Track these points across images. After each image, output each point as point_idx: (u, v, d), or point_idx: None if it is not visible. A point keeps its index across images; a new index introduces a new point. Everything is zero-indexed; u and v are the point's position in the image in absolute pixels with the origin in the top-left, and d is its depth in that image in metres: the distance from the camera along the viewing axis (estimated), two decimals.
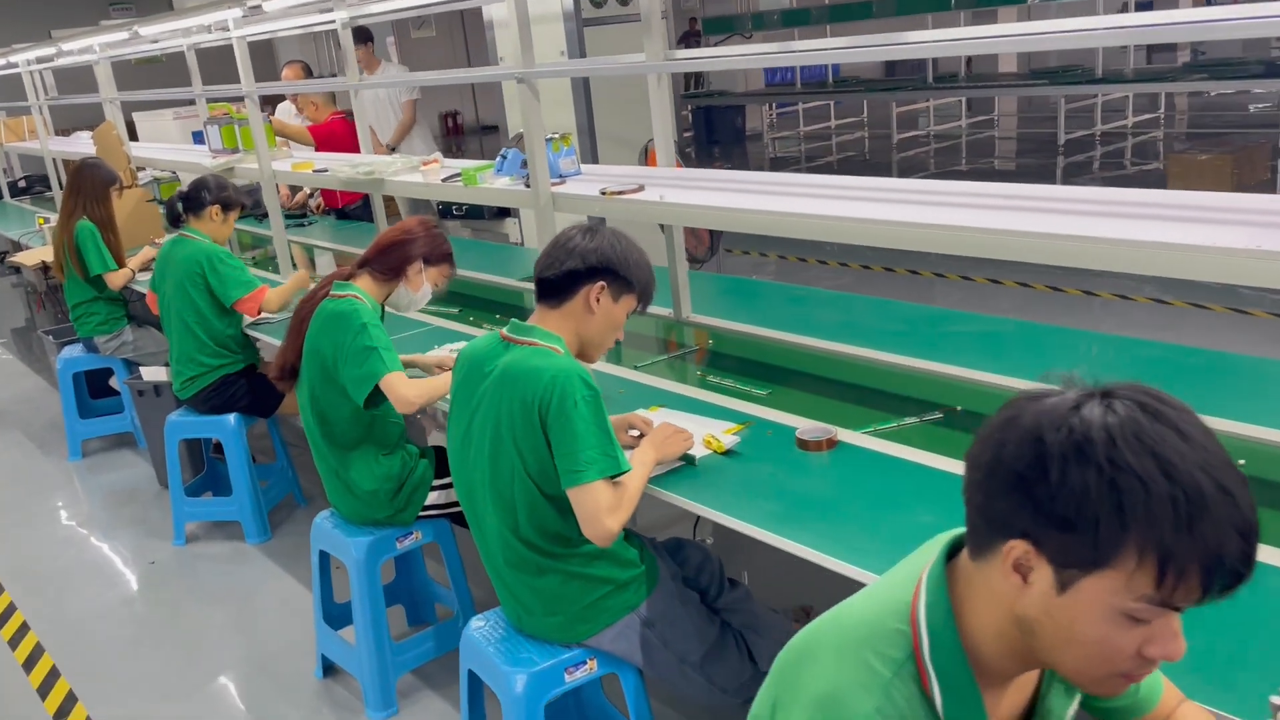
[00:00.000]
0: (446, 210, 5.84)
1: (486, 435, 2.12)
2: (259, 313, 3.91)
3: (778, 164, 12.76)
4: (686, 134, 14.00)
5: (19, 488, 4.89)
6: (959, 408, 2.53)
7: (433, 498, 2.91)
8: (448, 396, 2.39)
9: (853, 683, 1.07)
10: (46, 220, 6.44)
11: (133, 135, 7.09)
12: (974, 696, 1.06)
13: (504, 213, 5.60)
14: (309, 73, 6.57)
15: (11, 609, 3.74)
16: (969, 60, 15.13)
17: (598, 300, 2.15)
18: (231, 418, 3.92)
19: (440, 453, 3.00)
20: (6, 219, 7.80)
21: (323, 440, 2.83)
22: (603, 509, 2.01)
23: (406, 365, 2.86)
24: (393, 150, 6.34)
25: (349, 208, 6.23)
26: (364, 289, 2.88)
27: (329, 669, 3.13)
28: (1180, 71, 10.77)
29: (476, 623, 2.39)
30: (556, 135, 3.22)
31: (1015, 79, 12.64)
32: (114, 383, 5.13)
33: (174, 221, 4.18)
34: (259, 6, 3.93)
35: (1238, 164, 7.92)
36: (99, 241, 4.70)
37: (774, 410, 2.63)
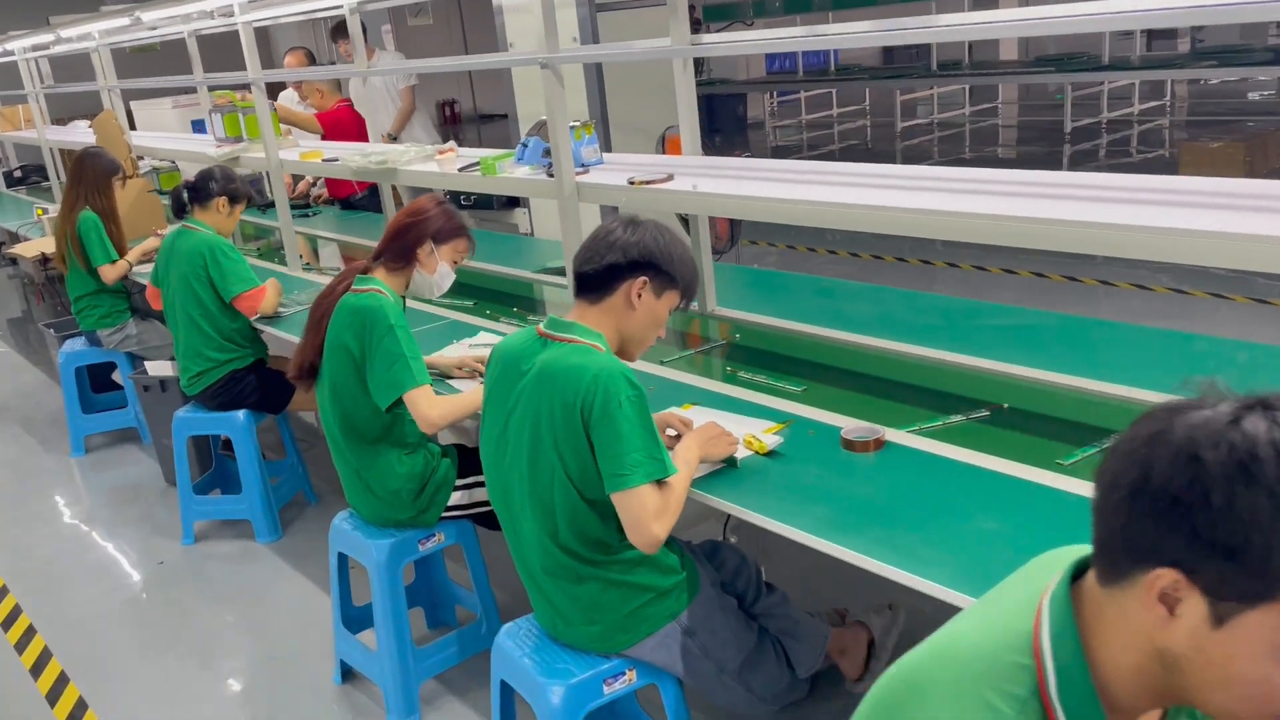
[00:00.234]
0: (453, 200, 5.72)
1: (525, 436, 2.03)
2: (255, 314, 3.80)
3: (779, 152, 12.65)
4: None
5: (21, 484, 4.79)
6: (1005, 405, 2.44)
7: (455, 498, 2.82)
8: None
9: None
10: (45, 211, 6.32)
11: (130, 124, 6.96)
12: None
13: (513, 202, 5.49)
14: (312, 60, 6.45)
15: (17, 611, 3.65)
16: (970, 48, 15.08)
17: (639, 296, 2.06)
18: (241, 414, 3.82)
19: (462, 451, 2.91)
20: (3, 210, 7.67)
21: (344, 439, 2.74)
22: (649, 514, 1.92)
23: (428, 367, 2.76)
24: (393, 139, 6.23)
25: (354, 197, 6.12)
26: (383, 281, 2.78)
27: (347, 674, 3.04)
28: (1187, 58, 10.69)
29: (508, 630, 2.30)
30: (578, 123, 3.12)
31: (1018, 66, 12.55)
32: (117, 377, 5.02)
33: (179, 212, 4.07)
34: None
35: (1250, 151, 7.84)
36: (102, 233, 4.59)
37: (811, 408, 2.54)
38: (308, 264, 4.81)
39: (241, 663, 3.26)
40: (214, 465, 4.23)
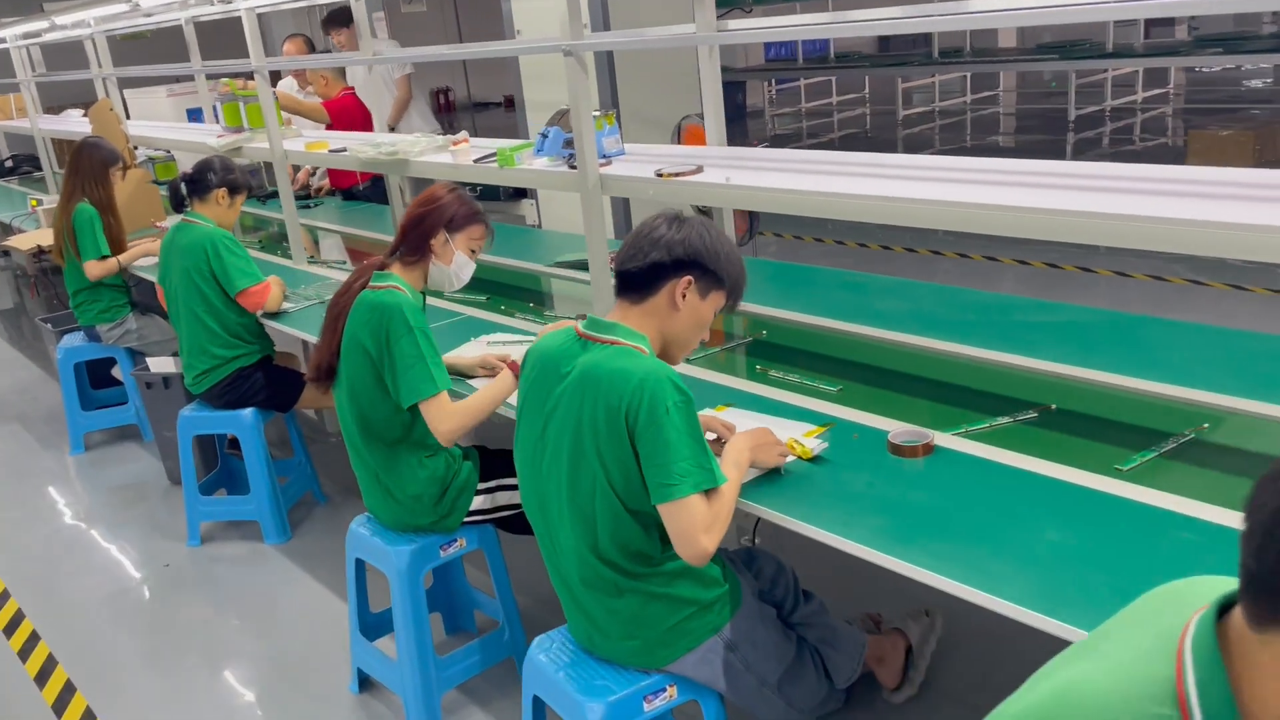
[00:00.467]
0: None
1: (565, 443, 1.93)
2: (259, 310, 3.69)
3: (778, 141, 12.53)
4: None
5: (20, 483, 4.68)
6: (1053, 406, 2.36)
7: (477, 502, 2.72)
8: (511, 401, 2.20)
9: None
10: (40, 202, 6.18)
11: (125, 113, 6.82)
12: None
13: (520, 194, 5.38)
14: (311, 47, 6.31)
15: (20, 617, 3.54)
16: (969, 34, 14.96)
17: (683, 296, 1.95)
18: (248, 413, 3.71)
19: (484, 454, 2.82)
20: None
21: (363, 442, 2.64)
22: (698, 526, 1.83)
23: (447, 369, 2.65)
24: (392, 129, 6.10)
25: (356, 188, 5.99)
26: (401, 277, 2.67)
27: (364, 682, 2.94)
28: (1190, 45, 10.59)
29: (540, 644, 2.21)
30: (599, 113, 3.01)
31: (1019, 54, 12.45)
32: (117, 373, 4.91)
33: (177, 206, 3.95)
34: None
35: (1260, 139, 7.77)
36: (97, 227, 4.47)
37: (849, 409, 2.45)
38: (311, 256, 4.70)
39: (253, 671, 3.16)
40: (219, 464, 4.12)
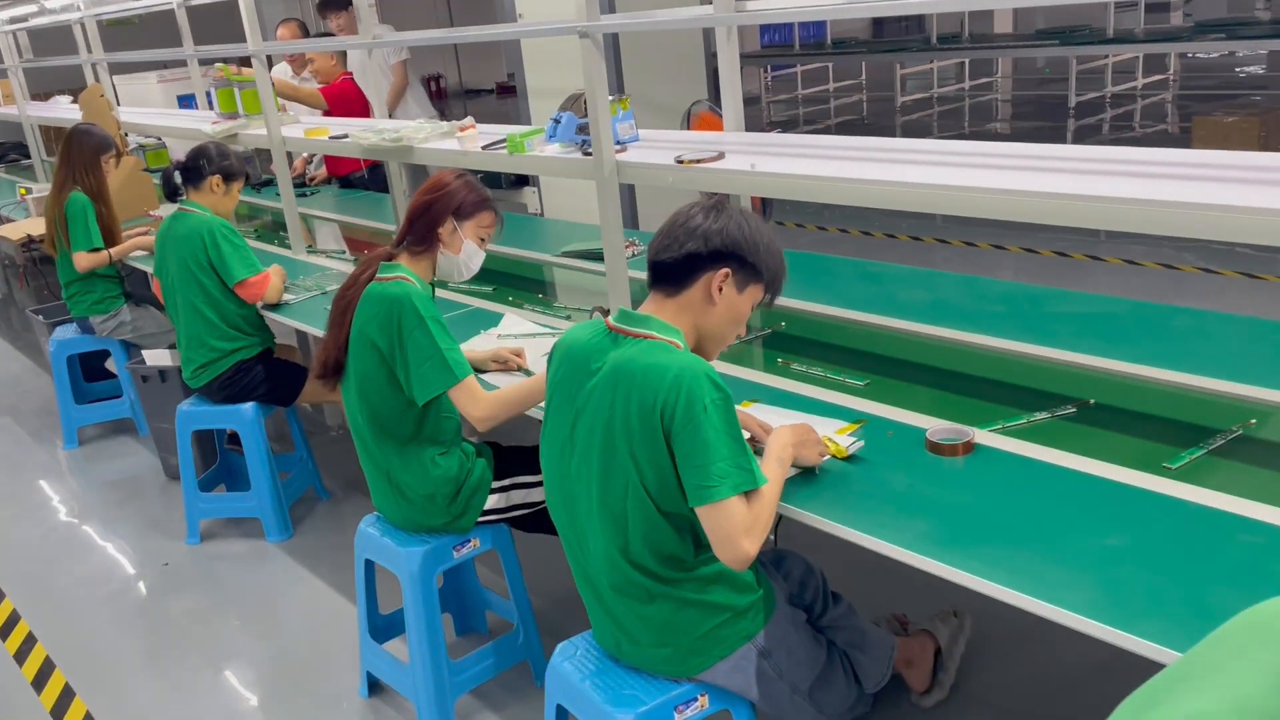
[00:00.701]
0: None
1: (595, 442, 1.84)
2: (258, 301, 3.58)
3: (774, 127, 12.42)
4: None
5: (13, 478, 4.57)
6: (1091, 400, 2.27)
7: (492, 501, 2.63)
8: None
9: None
10: (29, 191, 6.05)
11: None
12: None
13: (522, 181, 5.27)
14: (306, 31, 6.19)
15: (15, 617, 3.44)
16: (965, 20, 14.86)
17: (720, 289, 1.86)
18: (249, 407, 3.61)
19: (497, 451, 2.72)
20: None
21: (373, 440, 2.54)
22: (738, 529, 1.74)
23: None
24: (390, 116, 5.97)
25: (353, 175, 5.88)
26: (409, 268, 2.58)
27: (374, 686, 2.85)
28: (1191, 31, 10.51)
29: (563, 651, 2.12)
30: (614, 97, 2.91)
31: (1018, 39, 12.35)
32: (111, 365, 4.80)
33: (171, 195, 3.84)
34: None
35: (1265, 125, 7.69)
36: (90, 217, 4.35)
37: (877, 404, 2.36)
38: (310, 246, 4.59)
39: (257, 673, 3.07)
40: (219, 460, 4.02)
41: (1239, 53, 12.84)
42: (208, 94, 5.06)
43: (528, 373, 2.76)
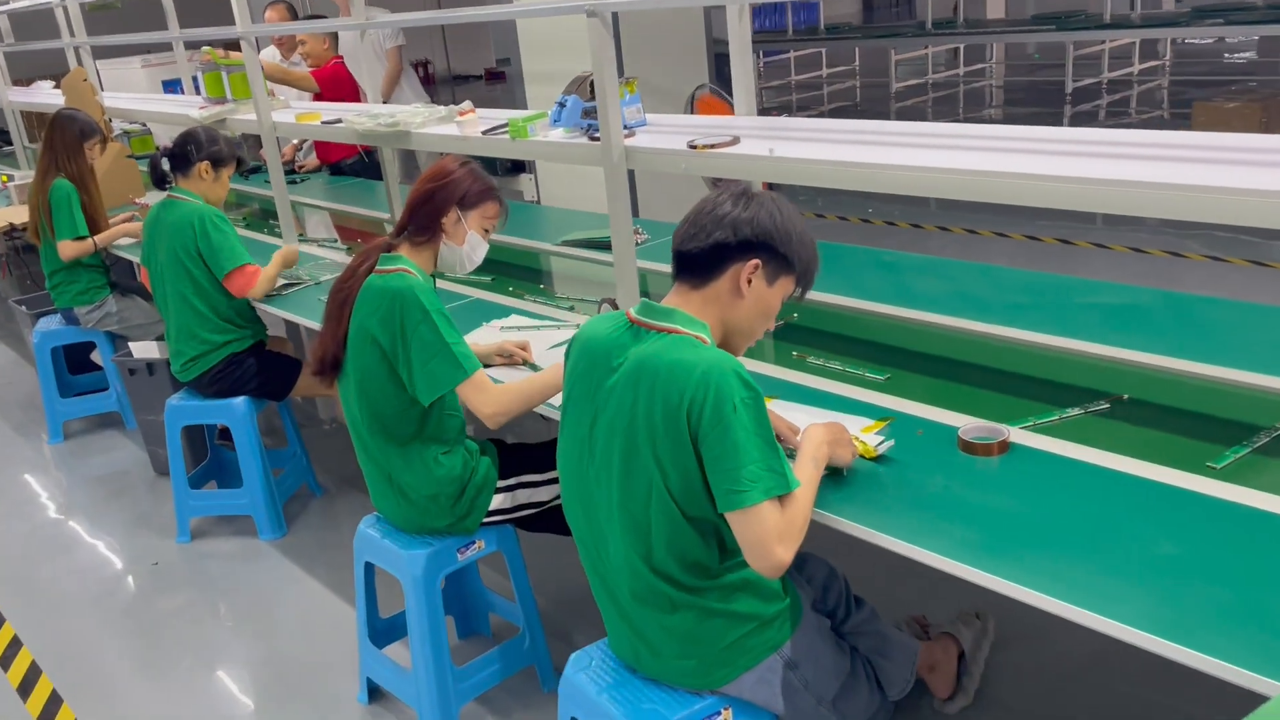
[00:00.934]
0: None
1: (616, 443, 1.73)
2: (245, 294, 3.45)
3: (767, 114, 12.29)
4: None
5: None
6: (1125, 395, 2.18)
7: (497, 501, 2.52)
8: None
9: None
10: (11, 178, 5.90)
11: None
12: None
13: (518, 168, 5.16)
14: (294, 14, 6.03)
15: None
16: (958, 6, 14.76)
17: (749, 282, 1.75)
18: (240, 402, 3.50)
19: (502, 449, 2.62)
20: None
21: (372, 439, 2.43)
22: (771, 536, 1.64)
23: None
24: (385, 103, 5.84)
25: (344, 162, 5.74)
26: (410, 259, 2.46)
27: (373, 692, 2.75)
28: (1189, 16, 10.43)
29: (577, 662, 2.02)
30: (622, 80, 2.79)
31: (1013, 24, 12.26)
32: (96, 357, 4.67)
33: (159, 183, 3.71)
34: None
35: (1266, 111, 7.62)
36: (75, 205, 4.22)
37: (901, 400, 2.27)
38: (301, 235, 4.46)
39: (253, 678, 2.97)
40: (209, 456, 3.90)
41: (1228, 39, 12.79)
42: (194, 78, 4.91)
43: (534, 367, 2.66)
